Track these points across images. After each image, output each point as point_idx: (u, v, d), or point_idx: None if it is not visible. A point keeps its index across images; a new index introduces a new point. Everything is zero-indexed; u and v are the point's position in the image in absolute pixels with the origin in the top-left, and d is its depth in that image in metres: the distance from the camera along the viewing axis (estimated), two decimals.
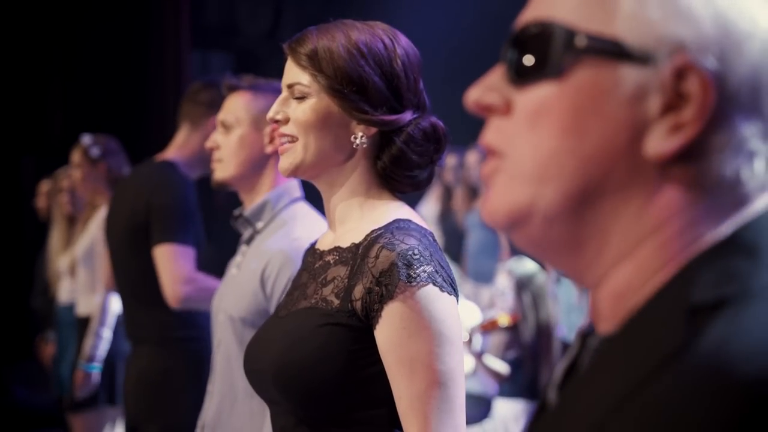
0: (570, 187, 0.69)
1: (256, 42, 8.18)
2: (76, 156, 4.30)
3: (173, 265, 2.78)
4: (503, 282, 4.20)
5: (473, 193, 6.32)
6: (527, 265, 4.15)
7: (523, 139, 0.70)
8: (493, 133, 0.73)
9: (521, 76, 0.71)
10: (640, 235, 0.68)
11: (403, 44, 1.56)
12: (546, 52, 0.69)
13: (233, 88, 2.34)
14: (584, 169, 0.68)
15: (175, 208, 2.88)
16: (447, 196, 6.69)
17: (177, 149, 3.07)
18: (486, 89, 0.73)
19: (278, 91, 2.30)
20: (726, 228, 0.67)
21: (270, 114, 1.60)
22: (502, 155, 0.72)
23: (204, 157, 3.02)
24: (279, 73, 2.39)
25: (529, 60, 0.70)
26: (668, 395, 0.58)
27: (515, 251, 5.48)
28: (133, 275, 3.02)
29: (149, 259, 2.91)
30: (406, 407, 1.42)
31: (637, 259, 0.68)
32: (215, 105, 2.98)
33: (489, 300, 5.28)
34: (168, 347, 2.98)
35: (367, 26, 1.56)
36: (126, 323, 3.17)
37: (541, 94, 0.70)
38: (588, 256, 0.70)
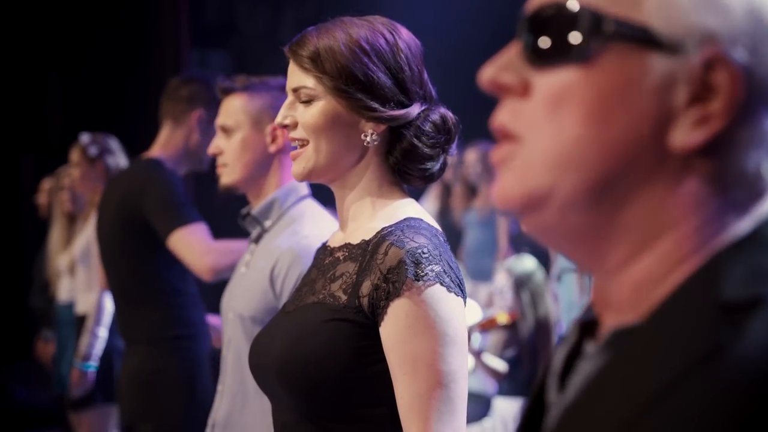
0: (591, 177, 0.67)
1: (255, 41, 8.18)
2: (74, 155, 4.31)
3: (192, 244, 2.78)
4: (502, 280, 4.19)
5: (471, 191, 6.32)
6: (526, 263, 4.15)
7: (544, 124, 0.68)
8: (508, 115, 0.70)
9: (542, 58, 0.68)
10: (661, 226, 0.67)
11: (404, 37, 1.54)
12: (572, 36, 0.67)
13: (228, 91, 2.32)
14: (607, 159, 0.66)
15: (169, 198, 2.88)
16: (446, 193, 6.69)
17: (161, 147, 3.08)
18: (502, 68, 0.70)
19: (273, 89, 2.32)
20: (747, 223, 0.66)
21: (278, 119, 1.58)
22: (519, 139, 0.69)
23: (189, 153, 3.06)
24: (278, 72, 2.39)
25: (552, 43, 0.68)
26: (711, 398, 0.57)
27: (515, 249, 5.48)
28: (123, 275, 3.03)
29: (139, 259, 2.93)
30: (406, 406, 1.41)
31: (657, 250, 0.67)
32: (195, 100, 3.03)
33: (487, 298, 5.28)
34: (159, 346, 2.98)
35: (366, 22, 1.54)
36: (118, 323, 3.18)
37: (564, 78, 0.67)
38: (604, 246, 0.69)
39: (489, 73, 0.71)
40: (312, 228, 2.09)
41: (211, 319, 3.06)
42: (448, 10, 6.94)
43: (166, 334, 2.98)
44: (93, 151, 4.23)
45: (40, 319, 5.26)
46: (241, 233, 2.33)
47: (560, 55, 0.67)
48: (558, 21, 0.68)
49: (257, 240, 2.23)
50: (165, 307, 2.95)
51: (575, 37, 0.67)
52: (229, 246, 2.76)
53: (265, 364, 1.53)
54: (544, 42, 0.68)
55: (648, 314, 0.66)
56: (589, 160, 0.67)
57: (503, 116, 0.71)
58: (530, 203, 0.69)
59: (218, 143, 2.33)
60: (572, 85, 0.67)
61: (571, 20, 0.67)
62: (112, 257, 3.06)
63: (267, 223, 2.22)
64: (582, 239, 0.69)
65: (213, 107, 3.04)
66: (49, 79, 7.78)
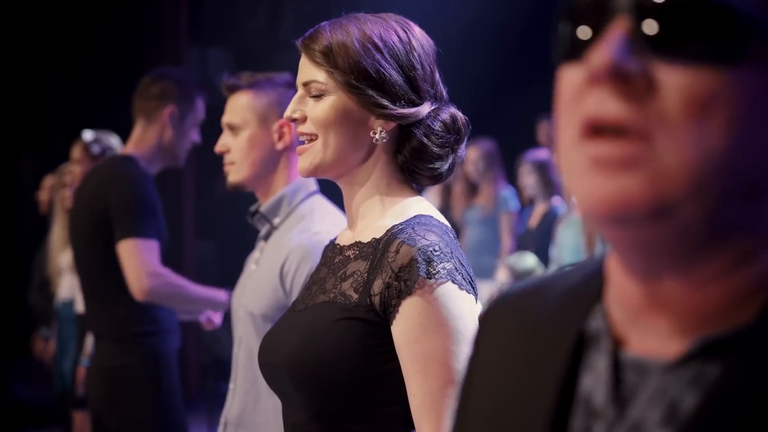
0: (731, 192, 0.61)
1: (255, 38, 8.18)
2: (76, 152, 4.31)
3: (137, 259, 2.81)
4: (503, 277, 4.20)
5: (472, 189, 6.31)
6: (527, 261, 4.16)
7: (685, 128, 0.60)
8: (631, 110, 0.62)
9: (678, 52, 0.61)
10: (761, 236, 0.64)
11: (417, 35, 1.54)
12: (724, 34, 0.60)
13: (233, 89, 2.31)
14: (749, 174, 0.61)
15: (134, 203, 2.90)
16: (446, 191, 6.68)
17: (134, 145, 3.10)
18: (625, 53, 0.61)
19: (278, 85, 2.31)
20: None
21: (287, 113, 1.57)
22: (648, 139, 0.61)
23: (163, 150, 3.09)
24: (278, 69, 2.39)
25: (696, 37, 0.60)
26: None
27: (520, 247, 5.48)
28: (93, 271, 3.05)
29: (107, 256, 2.94)
30: (419, 405, 1.40)
31: (756, 261, 0.64)
32: (166, 96, 3.06)
33: (489, 296, 5.28)
34: (125, 343, 3.01)
35: (380, 19, 1.54)
36: (87, 319, 3.21)
37: (709, 79, 0.60)
38: (702, 258, 0.64)
39: (612, 57, 0.61)
40: (321, 224, 2.09)
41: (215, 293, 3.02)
42: (450, 5, 6.94)
43: (132, 330, 3.01)
44: (96, 148, 4.23)
45: (38, 317, 5.27)
46: (244, 231, 2.33)
47: (705, 52, 0.60)
48: (703, 13, 0.60)
49: (266, 237, 2.22)
50: (131, 303, 2.95)
51: (730, 36, 0.60)
52: (174, 279, 2.80)
53: (275, 363, 1.52)
54: (685, 34, 0.61)
55: (753, 324, 0.63)
56: (733, 174, 0.61)
57: (622, 109, 0.62)
58: (658, 213, 0.61)
59: (225, 141, 2.31)
60: (720, 89, 0.60)
61: (723, 15, 0.60)
62: (82, 254, 3.09)
63: (276, 221, 2.21)
64: (682, 251, 0.64)
65: (184, 103, 3.07)
66: (49, 77, 7.77)
